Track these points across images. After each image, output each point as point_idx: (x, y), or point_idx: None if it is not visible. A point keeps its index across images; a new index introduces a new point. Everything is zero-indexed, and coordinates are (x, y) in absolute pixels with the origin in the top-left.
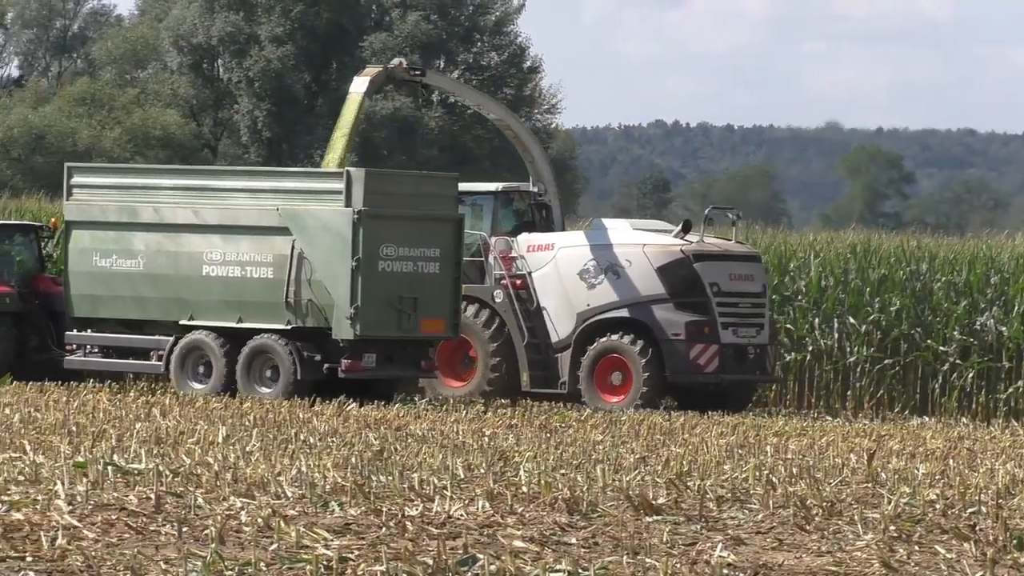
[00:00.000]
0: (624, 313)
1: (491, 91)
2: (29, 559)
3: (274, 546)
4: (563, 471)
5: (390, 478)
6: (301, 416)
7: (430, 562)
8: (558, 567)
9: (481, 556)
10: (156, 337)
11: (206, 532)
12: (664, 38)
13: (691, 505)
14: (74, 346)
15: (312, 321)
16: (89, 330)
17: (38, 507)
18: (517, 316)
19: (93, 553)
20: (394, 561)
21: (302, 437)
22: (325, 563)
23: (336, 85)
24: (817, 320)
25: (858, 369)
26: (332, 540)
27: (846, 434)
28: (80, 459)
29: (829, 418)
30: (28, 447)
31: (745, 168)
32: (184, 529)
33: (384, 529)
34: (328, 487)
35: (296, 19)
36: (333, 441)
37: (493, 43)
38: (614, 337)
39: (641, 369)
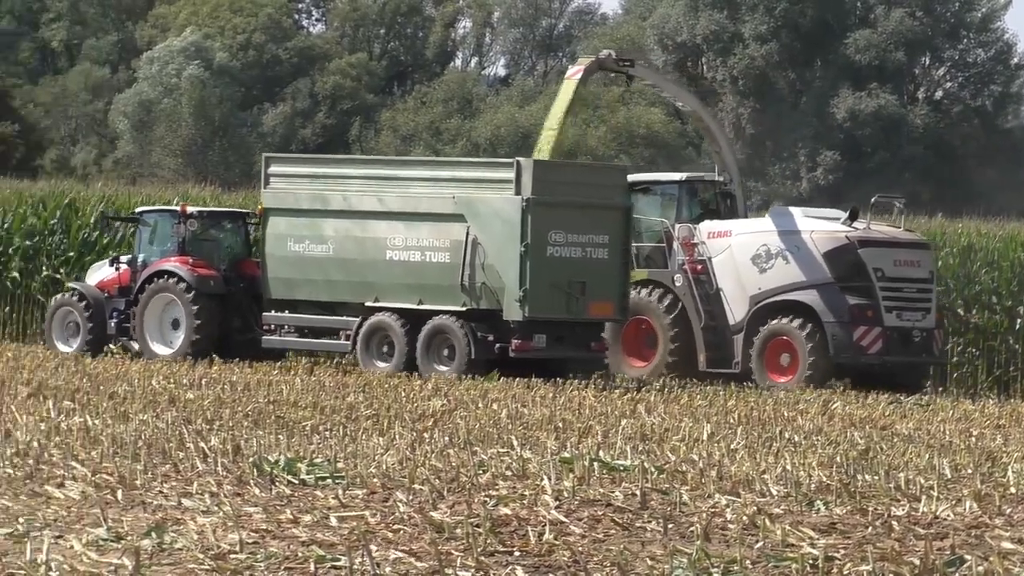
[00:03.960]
0: (792, 296)
1: (977, 88)
2: (516, 553)
3: (759, 544)
4: None
5: (876, 477)
6: (786, 414)
7: (917, 562)
8: None
9: (969, 557)
10: (344, 318)
11: (691, 529)
12: None
13: None
14: (271, 326)
15: (485, 303)
16: (286, 311)
17: (525, 502)
18: (695, 299)
19: (579, 548)
20: (880, 561)
21: (786, 435)
22: (811, 562)
23: (820, 83)
24: None
25: None
26: (817, 539)
27: None
28: (566, 455)
29: None
30: (515, 442)
31: None
32: (669, 526)
33: (870, 529)
34: (813, 486)
35: (780, 17)
36: (818, 440)
37: (979, 40)
38: (783, 320)
39: (807, 351)
